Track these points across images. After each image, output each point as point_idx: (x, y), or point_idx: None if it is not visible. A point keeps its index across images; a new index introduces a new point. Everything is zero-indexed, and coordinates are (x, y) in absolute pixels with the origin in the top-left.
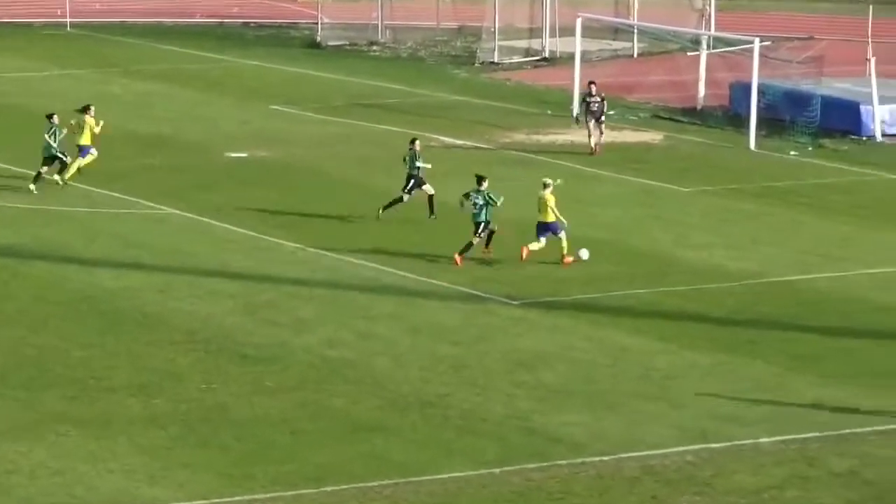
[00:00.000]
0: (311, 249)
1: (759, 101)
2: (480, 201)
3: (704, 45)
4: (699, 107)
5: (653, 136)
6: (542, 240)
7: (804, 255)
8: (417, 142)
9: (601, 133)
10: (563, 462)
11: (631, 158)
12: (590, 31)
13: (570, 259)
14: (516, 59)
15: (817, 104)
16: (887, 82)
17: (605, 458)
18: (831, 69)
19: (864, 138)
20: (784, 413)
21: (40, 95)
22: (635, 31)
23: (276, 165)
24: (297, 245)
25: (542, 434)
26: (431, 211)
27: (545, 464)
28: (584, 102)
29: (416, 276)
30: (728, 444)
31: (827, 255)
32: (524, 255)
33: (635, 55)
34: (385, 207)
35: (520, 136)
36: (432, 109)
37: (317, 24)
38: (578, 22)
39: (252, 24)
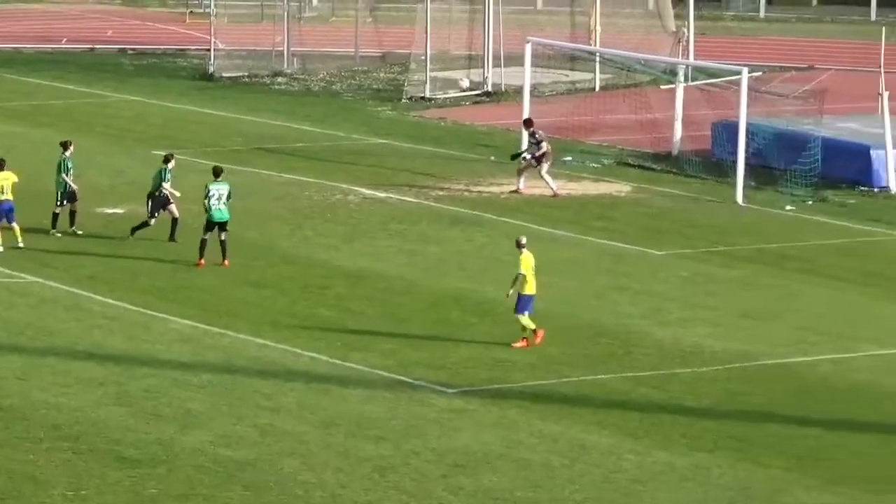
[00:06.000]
0: (203, 326)
1: (747, 144)
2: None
3: (681, 77)
4: (675, 151)
5: (619, 188)
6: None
7: (802, 333)
8: (173, 161)
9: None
10: None
11: (593, 215)
12: (542, 59)
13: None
14: (452, 93)
15: (818, 148)
16: None
17: None
18: (835, 106)
19: (876, 190)
20: None
21: None
22: (597, 59)
23: (159, 223)
24: (186, 321)
25: None
26: (172, 236)
27: None
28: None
29: (329, 357)
30: None
31: (829, 332)
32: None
33: (597, 88)
34: (133, 230)
35: (458, 188)
36: (349, 155)
37: (209, 50)
38: (528, 48)
39: (130, 52)
